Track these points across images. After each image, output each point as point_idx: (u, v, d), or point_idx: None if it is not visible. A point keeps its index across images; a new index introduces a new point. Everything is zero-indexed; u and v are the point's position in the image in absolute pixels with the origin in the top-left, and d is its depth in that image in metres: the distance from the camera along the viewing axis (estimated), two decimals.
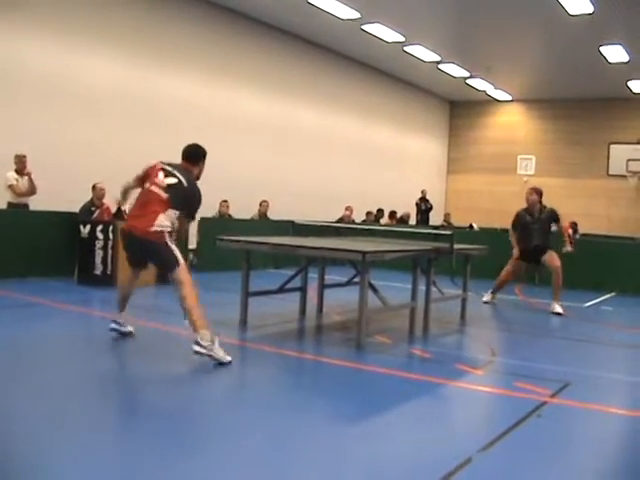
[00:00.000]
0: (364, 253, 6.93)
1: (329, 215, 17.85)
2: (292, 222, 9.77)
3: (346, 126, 21.60)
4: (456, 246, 8.47)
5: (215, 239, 8.19)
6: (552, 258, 10.66)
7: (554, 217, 10.88)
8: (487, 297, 11.13)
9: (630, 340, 9.04)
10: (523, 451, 4.44)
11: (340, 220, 17.85)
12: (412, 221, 22.14)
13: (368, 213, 19.79)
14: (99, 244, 10.90)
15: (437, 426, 4.99)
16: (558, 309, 10.47)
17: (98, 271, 10.90)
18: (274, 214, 16.34)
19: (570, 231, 18.51)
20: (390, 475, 3.94)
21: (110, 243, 10.95)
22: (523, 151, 26.46)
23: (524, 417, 5.06)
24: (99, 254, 10.90)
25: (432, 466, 4.06)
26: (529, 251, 10.81)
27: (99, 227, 10.93)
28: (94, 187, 11.99)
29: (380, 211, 20.84)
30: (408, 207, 22.27)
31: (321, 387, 5.88)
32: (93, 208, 11.92)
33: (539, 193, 10.92)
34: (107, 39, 14.11)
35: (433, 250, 8.28)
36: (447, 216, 24.48)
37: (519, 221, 10.87)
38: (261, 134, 18.15)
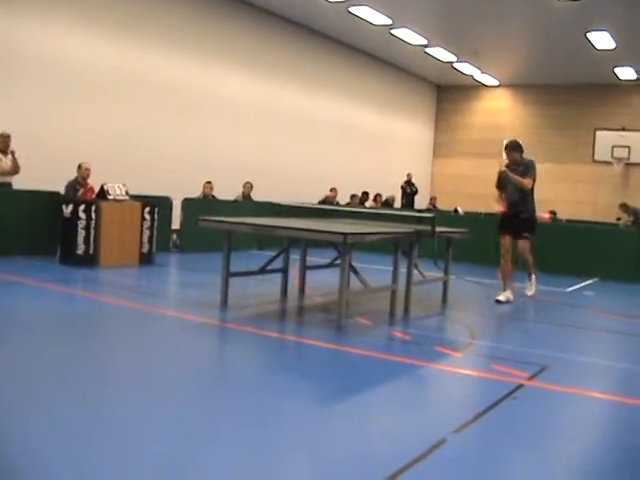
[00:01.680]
0: (345, 235, 6.92)
1: (314, 197, 17.85)
2: (275, 203, 9.76)
3: (332, 108, 21.55)
4: (438, 229, 8.47)
5: (197, 220, 8.16)
6: (523, 250, 9.98)
7: (526, 169, 9.83)
8: (502, 296, 9.94)
9: (609, 325, 9.08)
10: (497, 433, 4.47)
11: (324, 201, 17.84)
12: (397, 204, 22.14)
13: (353, 196, 19.77)
14: (82, 224, 10.83)
15: (414, 407, 5.01)
16: (500, 297, 9.85)
17: (80, 251, 10.84)
18: (258, 196, 16.31)
19: (547, 217, 18.67)
20: (366, 455, 3.96)
21: (93, 223, 10.90)
22: (509, 136, 25.86)
23: (500, 399, 5.09)
24: (81, 234, 10.83)
25: (408, 446, 4.07)
26: (510, 216, 10.00)
27: (82, 207, 10.87)
28: (80, 166, 11.91)
29: (365, 194, 20.83)
30: (393, 190, 22.27)
31: (301, 368, 5.88)
32: (77, 187, 11.86)
33: (515, 148, 9.89)
34: (91, 17, 13.97)
35: (414, 233, 8.29)
36: (433, 200, 24.49)
37: (502, 180, 10.16)
38: (246, 116, 18.08)
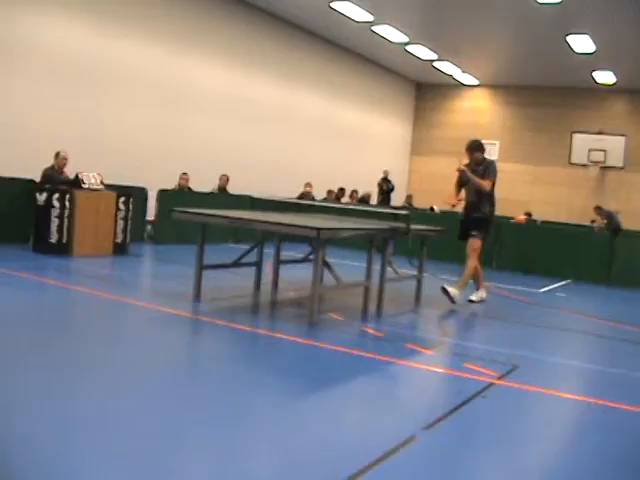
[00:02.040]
0: (319, 230, 6.93)
1: (292, 192, 17.82)
2: (251, 197, 9.75)
3: (311, 103, 21.53)
4: (413, 227, 8.49)
5: (171, 211, 8.13)
6: (469, 248, 9.56)
7: (485, 170, 9.54)
8: (475, 296, 9.85)
9: (580, 326, 9.19)
10: (467, 430, 4.50)
11: (301, 197, 17.83)
12: (374, 201, 22.17)
13: (329, 192, 19.77)
14: (55, 212, 10.75)
15: (384, 404, 5.03)
16: (450, 289, 9.37)
17: (53, 239, 10.77)
18: (235, 188, 16.28)
19: (522, 218, 18.79)
20: (335, 450, 3.97)
21: (66, 212, 10.83)
22: (487, 136, 26.43)
23: (470, 397, 5.13)
24: (55, 222, 10.76)
25: (376, 443, 4.10)
26: (463, 220, 9.83)
27: (56, 195, 10.78)
28: (57, 155, 11.82)
29: (341, 190, 20.81)
30: (370, 187, 22.29)
31: (272, 362, 5.88)
32: (56, 175, 11.75)
33: (476, 148, 9.65)
34: (69, 3, 13.85)
35: (388, 230, 8.31)
36: (409, 198, 24.54)
37: (461, 179, 9.83)
38: (225, 108, 18.02)
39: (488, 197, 9.60)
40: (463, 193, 9.83)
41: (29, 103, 13.25)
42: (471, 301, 9.74)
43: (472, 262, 9.48)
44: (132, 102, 15.24)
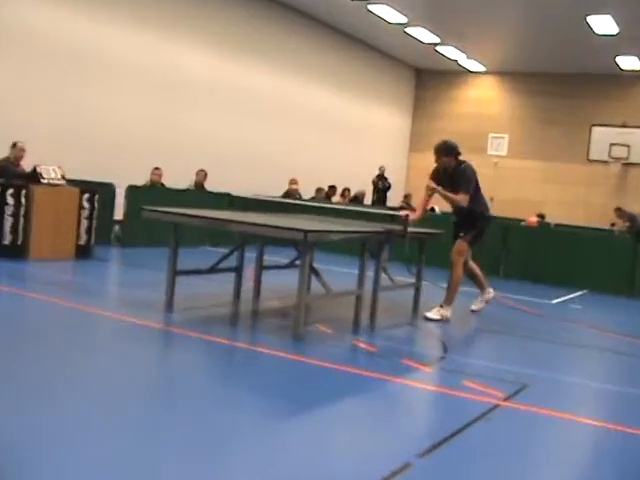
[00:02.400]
0: (306, 232, 6.94)
1: (276, 189, 17.81)
2: (231, 195, 9.76)
3: (300, 91, 21.55)
4: (410, 229, 8.52)
5: (142, 210, 8.12)
6: (454, 252, 9.37)
7: (458, 180, 9.20)
8: (475, 306, 9.96)
9: (597, 342, 9.20)
10: (468, 459, 4.51)
11: (286, 195, 17.84)
12: (368, 201, 22.19)
13: (318, 190, 19.76)
14: (9, 210, 10.68)
15: (376, 427, 5.03)
16: (430, 314, 9.18)
17: (7, 241, 10.71)
18: (213, 185, 16.25)
19: (534, 220, 18.76)
20: (322, 478, 3.98)
21: (22, 210, 10.79)
22: (495, 129, 26.69)
23: (472, 421, 5.13)
24: (9, 221, 10.69)
25: (367, 471, 4.10)
26: (455, 222, 9.60)
27: (10, 191, 10.72)
28: (14, 145, 11.79)
29: (332, 188, 20.86)
30: (364, 185, 22.31)
31: (253, 379, 5.88)
32: (11, 167, 11.73)
33: (447, 151, 9.29)
34: None
35: (384, 232, 8.33)
36: (407, 197, 24.50)
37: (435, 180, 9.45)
38: (203, 96, 18.02)
39: (473, 204, 9.25)
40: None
41: (7, 88, 13.27)
42: (473, 311, 9.80)
43: (457, 270, 9.31)
44: (99, 88, 15.23)
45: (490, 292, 10.01)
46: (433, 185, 9.22)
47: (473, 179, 9.25)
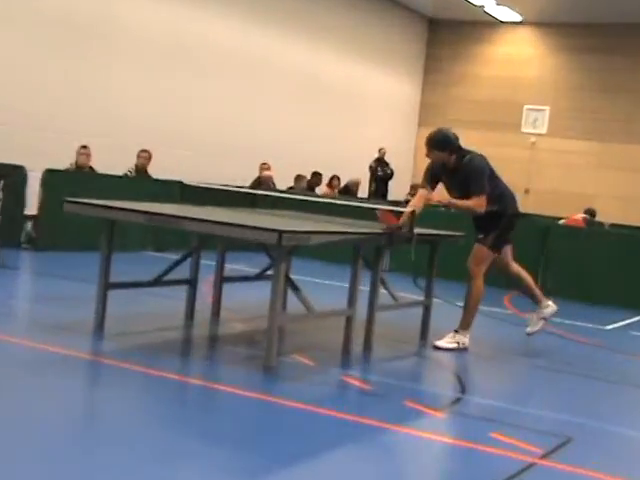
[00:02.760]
0: (281, 233, 6.96)
1: (243, 177, 17.80)
2: (183, 183, 9.78)
3: (275, 48, 21.49)
4: (418, 230, 8.55)
5: (63, 201, 8.13)
6: (471, 260, 9.40)
7: (467, 178, 9.11)
8: (531, 327, 9.82)
9: None
10: None
11: (256, 184, 17.86)
12: (363, 193, 22.20)
13: (298, 177, 19.75)
14: None
15: None
16: (442, 343, 9.18)
17: None
18: (159, 171, 16.24)
19: (580, 218, 18.65)
20: None
21: None
22: (533, 99, 26.67)
23: None
24: None
25: None
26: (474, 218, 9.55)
27: None
28: None
29: (316, 175, 20.82)
30: (358, 172, 22.30)
31: (209, 426, 5.90)
32: None
33: (440, 144, 9.10)
34: None
35: (383, 234, 8.35)
36: (414, 188, 24.47)
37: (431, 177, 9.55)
38: (152, 53, 17.97)
39: (494, 192, 9.15)
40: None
41: None
42: (529, 334, 9.72)
43: (476, 283, 9.26)
44: (7, 46, 15.25)
45: (549, 305, 9.70)
46: (437, 199, 9.23)
47: (485, 171, 9.12)
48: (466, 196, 9.01)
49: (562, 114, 26.18)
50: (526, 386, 8.39)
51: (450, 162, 9.07)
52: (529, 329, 9.76)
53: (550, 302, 9.72)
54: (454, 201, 9.16)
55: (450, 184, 9.25)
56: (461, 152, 9.11)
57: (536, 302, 9.76)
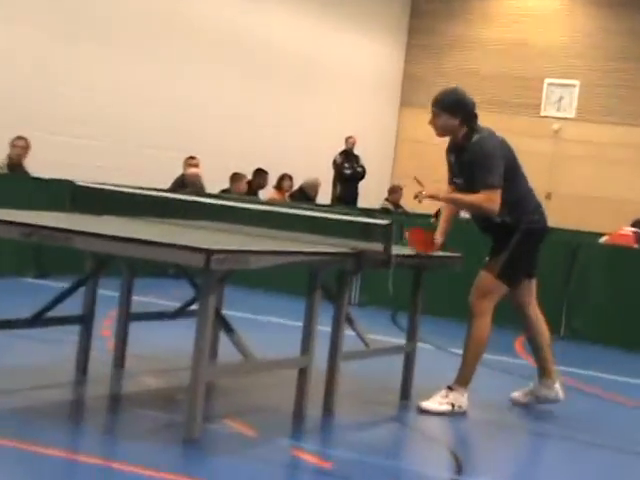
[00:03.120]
0: (209, 253, 6.94)
1: (162, 176, 17.83)
2: (74, 183, 9.78)
3: (213, 6, 21.61)
4: (398, 250, 8.55)
5: None
6: (476, 289, 9.35)
7: (472, 163, 9.13)
8: (519, 394, 9.85)
9: None
10: None
11: (179, 185, 17.88)
12: (325, 197, 22.27)
13: (236, 177, 19.81)
14: None
15: None
16: (431, 404, 9.11)
17: None
18: (41, 166, 16.23)
19: (629, 234, 18.68)
20: None
21: None
22: (556, 71, 26.84)
23: None
24: None
25: None
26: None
27: None
28: None
29: (260, 173, 20.87)
30: (319, 170, 22.38)
31: None
32: None
33: (450, 106, 9.12)
34: None
35: (350, 255, 8.34)
36: (394, 191, 24.52)
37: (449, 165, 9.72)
38: (31, 8, 18.11)
39: (511, 191, 9.03)
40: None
41: None
42: (515, 403, 9.73)
43: (478, 323, 9.18)
44: None
45: (556, 390, 9.60)
46: (428, 191, 9.27)
47: (497, 158, 9.00)
48: (471, 189, 8.98)
49: (594, 93, 26.34)
50: (542, 465, 8.39)
51: (458, 136, 9.09)
52: (515, 394, 9.72)
53: (558, 386, 9.60)
54: (454, 195, 9.27)
55: (453, 169, 9.34)
56: (473, 126, 9.10)
57: (542, 375, 9.64)
